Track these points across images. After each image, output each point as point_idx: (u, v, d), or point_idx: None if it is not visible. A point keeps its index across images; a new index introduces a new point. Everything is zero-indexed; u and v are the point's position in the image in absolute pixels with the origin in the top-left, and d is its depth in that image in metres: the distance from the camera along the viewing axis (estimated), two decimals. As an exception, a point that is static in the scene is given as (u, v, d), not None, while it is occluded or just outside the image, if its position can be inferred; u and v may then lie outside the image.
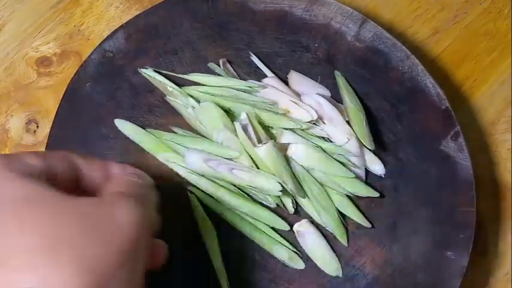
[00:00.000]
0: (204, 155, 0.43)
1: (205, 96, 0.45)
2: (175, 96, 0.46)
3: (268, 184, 0.42)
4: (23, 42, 0.53)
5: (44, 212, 0.25)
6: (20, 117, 0.51)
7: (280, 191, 0.42)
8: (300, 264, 0.44)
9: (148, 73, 0.47)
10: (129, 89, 0.47)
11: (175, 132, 0.46)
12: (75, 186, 0.31)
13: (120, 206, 0.27)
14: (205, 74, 0.46)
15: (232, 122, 0.44)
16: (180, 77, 0.47)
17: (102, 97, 0.47)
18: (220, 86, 0.46)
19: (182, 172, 0.45)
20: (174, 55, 0.48)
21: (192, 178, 0.44)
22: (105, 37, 0.47)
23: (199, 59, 0.48)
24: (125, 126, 0.46)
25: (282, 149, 0.43)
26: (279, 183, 0.42)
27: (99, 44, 0.47)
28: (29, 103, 0.51)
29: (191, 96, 0.46)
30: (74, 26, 0.53)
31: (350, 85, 0.46)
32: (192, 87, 0.46)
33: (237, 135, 0.43)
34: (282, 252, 0.44)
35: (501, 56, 0.53)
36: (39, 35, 0.53)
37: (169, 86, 0.46)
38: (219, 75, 0.47)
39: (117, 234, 0.26)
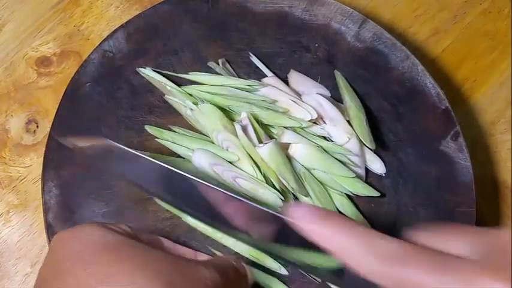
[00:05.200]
0: (212, 158, 0.42)
1: (205, 95, 0.45)
2: (175, 96, 0.46)
3: (269, 197, 0.42)
4: (23, 42, 0.53)
5: (136, 251, 0.31)
6: (20, 117, 0.51)
7: (280, 206, 0.42)
8: None
9: (147, 73, 0.47)
10: (129, 89, 0.47)
11: (175, 132, 0.46)
12: None
13: (204, 268, 0.32)
14: (205, 73, 0.46)
15: (232, 121, 0.44)
16: (179, 77, 0.47)
17: (102, 97, 0.47)
18: (220, 85, 0.46)
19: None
20: (174, 55, 0.48)
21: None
22: (105, 37, 0.47)
23: (199, 59, 0.48)
24: None
25: (283, 148, 0.43)
26: (281, 199, 0.42)
27: (99, 44, 0.47)
28: (29, 103, 0.51)
29: (190, 95, 0.46)
30: (74, 26, 0.53)
31: (350, 85, 0.46)
32: (192, 86, 0.46)
33: (236, 136, 0.43)
34: None
35: (501, 56, 0.53)
36: (39, 35, 0.53)
37: (168, 86, 0.46)
38: (218, 74, 0.47)
39: (198, 280, 0.31)
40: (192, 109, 0.45)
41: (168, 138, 0.45)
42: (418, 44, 0.53)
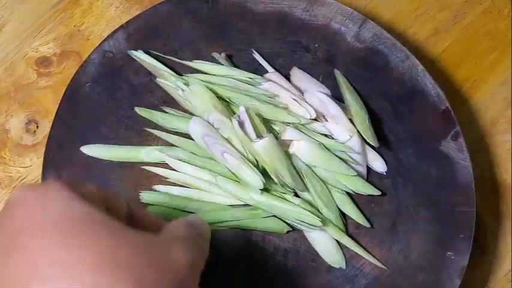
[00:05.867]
0: (206, 129, 0.43)
1: (206, 85, 0.45)
2: (166, 78, 0.46)
3: (251, 178, 0.42)
4: (23, 42, 0.53)
5: (105, 233, 0.26)
6: (20, 117, 0.51)
7: (261, 189, 0.42)
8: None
9: (139, 55, 0.47)
10: (129, 89, 0.47)
11: (166, 112, 0.46)
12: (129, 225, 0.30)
13: (177, 247, 0.28)
14: (207, 62, 0.46)
15: (233, 113, 0.44)
16: (182, 64, 0.47)
17: (102, 97, 0.47)
18: (223, 75, 0.46)
19: (161, 171, 0.45)
20: (174, 55, 0.48)
21: (175, 175, 0.45)
22: (105, 37, 0.47)
23: (199, 59, 0.48)
24: (91, 151, 0.46)
25: (284, 145, 0.43)
26: (263, 182, 0.41)
27: (99, 44, 0.47)
28: (29, 103, 0.51)
29: (180, 75, 0.46)
30: (74, 26, 0.53)
31: (350, 84, 0.46)
32: (194, 74, 0.46)
33: (226, 116, 0.43)
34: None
35: (501, 57, 0.53)
36: (39, 35, 0.53)
37: (160, 68, 0.46)
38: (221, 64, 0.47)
39: (171, 270, 0.27)
40: (183, 90, 0.45)
41: (158, 119, 0.46)
42: (418, 44, 0.53)
